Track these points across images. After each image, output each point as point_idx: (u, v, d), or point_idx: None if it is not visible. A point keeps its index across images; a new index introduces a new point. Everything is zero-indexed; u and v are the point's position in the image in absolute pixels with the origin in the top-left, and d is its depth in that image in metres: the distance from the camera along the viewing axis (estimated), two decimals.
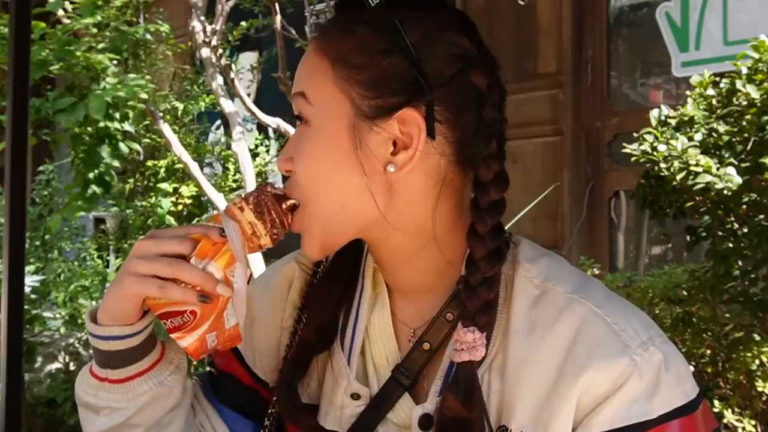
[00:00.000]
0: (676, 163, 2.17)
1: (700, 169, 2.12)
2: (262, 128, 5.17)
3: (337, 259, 0.84)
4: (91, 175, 3.47)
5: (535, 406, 0.71)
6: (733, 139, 2.18)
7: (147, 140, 5.08)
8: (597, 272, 3.05)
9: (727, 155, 2.16)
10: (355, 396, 0.80)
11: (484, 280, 0.73)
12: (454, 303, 0.77)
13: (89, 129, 3.45)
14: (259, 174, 4.89)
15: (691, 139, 2.22)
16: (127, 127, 3.59)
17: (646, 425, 0.69)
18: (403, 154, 0.72)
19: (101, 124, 3.43)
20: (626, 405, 0.69)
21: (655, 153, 2.22)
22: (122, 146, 3.55)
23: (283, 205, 0.76)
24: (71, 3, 3.77)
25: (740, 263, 2.29)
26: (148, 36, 4.21)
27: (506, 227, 0.80)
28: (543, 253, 0.79)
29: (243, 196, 0.76)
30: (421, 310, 0.80)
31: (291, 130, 3.62)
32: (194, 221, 4.95)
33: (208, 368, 0.94)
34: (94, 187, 3.47)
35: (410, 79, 0.71)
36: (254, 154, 4.98)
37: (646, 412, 0.69)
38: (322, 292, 0.84)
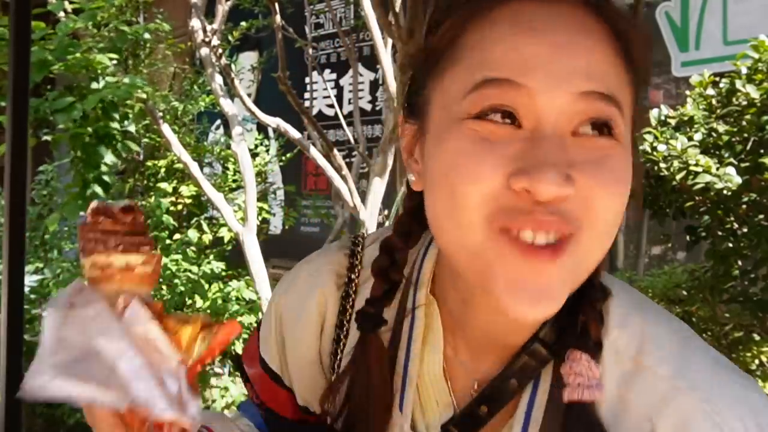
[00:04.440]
0: (675, 163, 2.16)
1: (699, 169, 2.12)
2: (262, 128, 5.17)
3: (384, 293, 0.74)
4: (90, 176, 3.47)
5: None
6: (733, 139, 2.18)
7: (147, 140, 5.08)
8: None
9: (726, 155, 2.16)
10: None
11: (599, 315, 0.64)
12: (524, 363, 0.66)
13: (89, 129, 3.45)
14: (258, 174, 4.89)
15: (690, 139, 2.22)
16: (128, 127, 3.59)
17: None
18: None
19: (100, 123, 3.44)
20: None
21: (654, 153, 2.22)
22: (121, 147, 3.55)
23: (122, 218, 0.64)
24: (71, 3, 3.77)
25: (740, 263, 2.28)
26: (147, 36, 4.20)
27: None
28: (634, 305, 0.67)
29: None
30: (489, 362, 0.69)
31: (291, 129, 3.62)
32: (193, 221, 4.95)
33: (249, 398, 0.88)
34: (94, 187, 3.47)
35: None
36: (254, 154, 4.98)
37: None
38: (374, 347, 0.72)
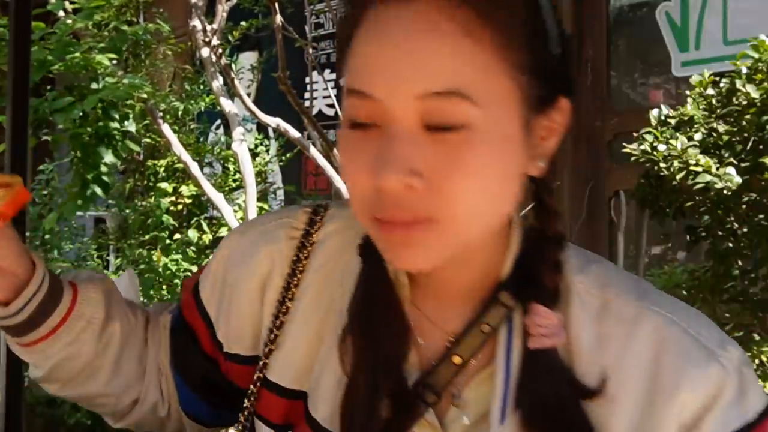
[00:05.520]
0: (675, 163, 2.16)
1: (699, 169, 2.12)
2: (262, 128, 5.17)
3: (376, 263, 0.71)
4: (90, 176, 3.47)
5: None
6: (733, 139, 2.18)
7: (147, 140, 5.08)
8: None
9: (726, 155, 2.16)
10: None
11: (558, 262, 0.68)
12: (494, 311, 0.68)
13: (88, 129, 3.45)
14: (258, 173, 4.89)
15: (690, 138, 2.22)
16: (129, 127, 3.59)
17: (744, 430, 0.64)
18: (548, 145, 0.66)
19: (100, 124, 3.44)
20: (724, 413, 0.64)
21: (654, 153, 2.22)
22: (120, 147, 3.55)
23: None
24: (71, 2, 3.77)
25: (740, 263, 2.29)
26: (148, 36, 4.20)
27: None
28: (590, 259, 0.72)
29: None
30: (457, 315, 0.70)
31: (291, 129, 3.62)
32: (193, 221, 4.95)
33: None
34: (93, 187, 3.47)
35: (564, 62, 0.65)
36: (254, 154, 4.98)
37: (743, 415, 0.64)
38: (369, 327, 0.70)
